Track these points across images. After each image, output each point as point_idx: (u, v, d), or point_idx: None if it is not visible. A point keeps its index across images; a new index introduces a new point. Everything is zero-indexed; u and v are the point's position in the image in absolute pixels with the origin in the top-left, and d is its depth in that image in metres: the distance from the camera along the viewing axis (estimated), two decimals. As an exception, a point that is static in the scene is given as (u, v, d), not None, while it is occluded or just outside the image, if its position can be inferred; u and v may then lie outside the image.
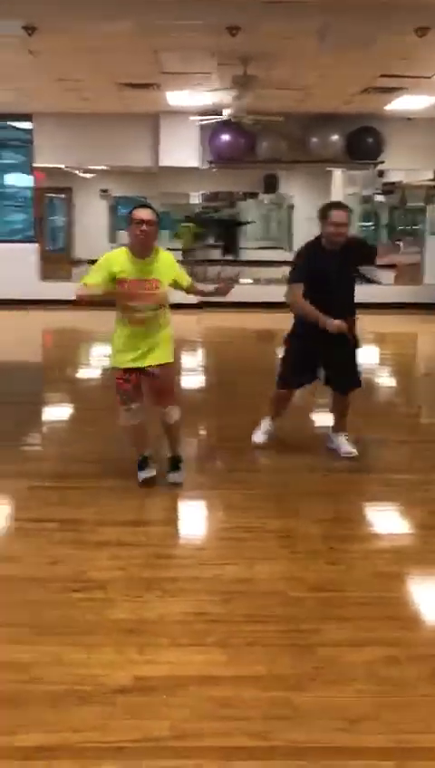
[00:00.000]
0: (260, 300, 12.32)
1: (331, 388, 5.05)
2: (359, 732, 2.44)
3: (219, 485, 4.55)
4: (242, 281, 16.16)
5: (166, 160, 11.60)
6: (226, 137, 11.01)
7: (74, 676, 2.67)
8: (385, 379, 8.41)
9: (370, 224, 20.57)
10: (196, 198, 21.92)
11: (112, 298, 4.25)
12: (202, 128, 11.04)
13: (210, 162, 11.53)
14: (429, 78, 8.47)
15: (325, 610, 3.17)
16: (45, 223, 20.72)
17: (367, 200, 19.37)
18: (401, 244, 4.87)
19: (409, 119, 11.17)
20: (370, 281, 11.64)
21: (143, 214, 4.21)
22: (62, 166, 14.59)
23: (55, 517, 4.04)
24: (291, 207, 20.76)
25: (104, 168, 15.65)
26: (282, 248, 20.44)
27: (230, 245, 19.77)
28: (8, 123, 13.69)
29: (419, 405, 7.33)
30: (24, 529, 3.96)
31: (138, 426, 4.45)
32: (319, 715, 2.52)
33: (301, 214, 19.85)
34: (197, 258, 13.96)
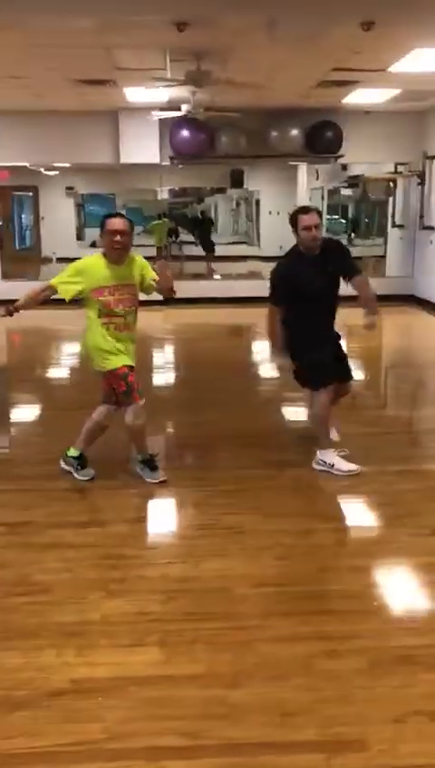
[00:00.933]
0: (229, 295, 12.38)
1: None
2: (293, 726, 2.45)
3: (177, 483, 4.54)
4: (215, 276, 16.29)
5: (126, 157, 11.53)
6: (185, 132, 10.95)
7: (10, 681, 2.66)
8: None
9: (337, 217, 20.70)
10: (163, 194, 21.94)
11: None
12: (162, 124, 10.99)
13: (171, 158, 11.47)
14: (383, 71, 8.49)
15: (269, 606, 3.19)
16: (9, 222, 20.60)
17: (333, 193, 19.49)
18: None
19: (367, 112, 11.20)
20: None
21: (117, 224, 4.30)
22: (26, 164, 14.48)
23: (2, 521, 4.01)
24: (257, 202, 20.83)
25: (68, 165, 15.56)
26: (246, 243, 20.53)
27: (205, 242, 19.83)
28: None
29: (381, 397, 7.37)
30: (-31, 534, 3.93)
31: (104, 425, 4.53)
32: (254, 712, 2.53)
33: (267, 208, 19.99)
34: (170, 254, 13.92)
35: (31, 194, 20.39)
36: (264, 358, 8.26)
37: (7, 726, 2.42)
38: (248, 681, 2.69)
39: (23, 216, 21.69)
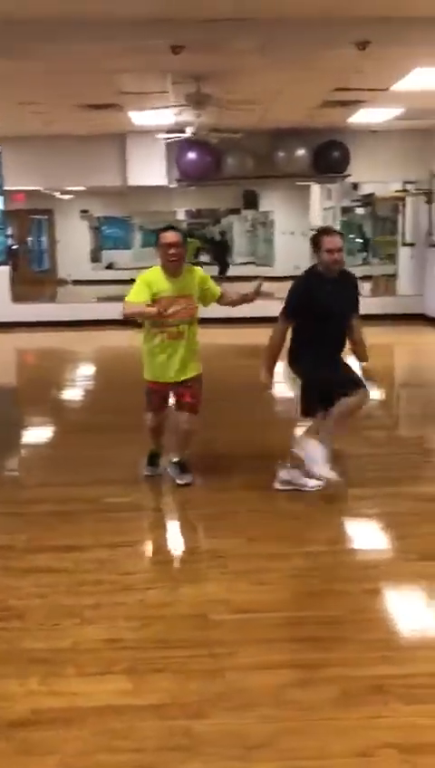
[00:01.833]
0: (248, 315, 12.26)
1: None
2: (253, 759, 2.38)
3: (159, 506, 4.49)
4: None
5: (134, 179, 11.63)
6: (192, 155, 11.03)
7: (-30, 711, 2.61)
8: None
9: (352, 236, 20.62)
10: (180, 215, 22.08)
11: (148, 319, 4.52)
12: (168, 146, 11.07)
13: (178, 180, 11.55)
14: (385, 90, 8.49)
15: (244, 633, 3.11)
16: (26, 245, 20.84)
17: (348, 212, 19.45)
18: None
19: (373, 131, 11.20)
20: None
21: (170, 237, 4.49)
22: (40, 188, 14.66)
23: (-16, 545, 3.99)
24: (272, 223, 20.87)
25: (82, 189, 15.73)
26: (268, 265, 20.49)
27: (221, 262, 19.90)
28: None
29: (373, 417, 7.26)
30: None
31: (158, 426, 4.84)
32: (216, 744, 2.45)
33: (281, 229, 20.03)
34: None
35: (46, 217, 20.66)
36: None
37: (-40, 758, 2.37)
38: (213, 711, 2.61)
39: (40, 239, 21.94)
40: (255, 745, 2.44)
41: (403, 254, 13.03)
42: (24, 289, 14.31)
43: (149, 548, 4.00)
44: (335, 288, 4.53)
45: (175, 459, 4.85)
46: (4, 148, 11.58)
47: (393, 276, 14.01)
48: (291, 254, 17.48)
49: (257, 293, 4.69)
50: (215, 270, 19.01)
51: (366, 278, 13.77)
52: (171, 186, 11.80)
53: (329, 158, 11.29)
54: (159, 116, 9.87)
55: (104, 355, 10.87)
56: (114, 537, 4.06)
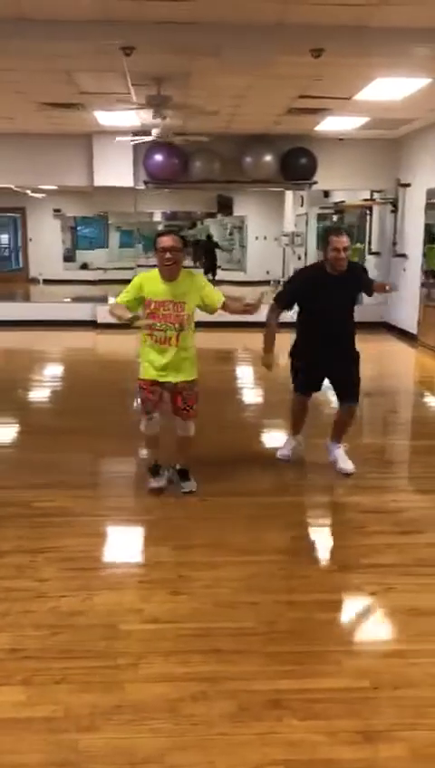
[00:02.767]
0: (221, 320, 12.21)
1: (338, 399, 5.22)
2: (136, 776, 2.33)
3: (90, 512, 4.43)
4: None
5: (100, 180, 11.54)
6: (158, 157, 10.98)
7: None
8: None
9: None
10: (157, 217, 21.97)
11: (134, 321, 4.38)
12: (136, 148, 11.01)
13: (145, 182, 11.48)
14: (348, 99, 8.50)
15: (150, 644, 3.06)
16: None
17: (324, 219, 19.46)
18: (388, 287, 5.25)
19: (340, 139, 11.22)
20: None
21: (166, 242, 4.37)
22: (11, 185, 14.50)
23: None
24: (246, 228, 20.84)
25: (54, 187, 15.57)
26: (241, 270, 20.46)
27: (211, 265, 19.80)
28: None
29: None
30: None
31: (153, 436, 4.71)
32: (102, 760, 2.41)
33: (254, 234, 19.99)
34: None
35: (18, 215, 20.49)
36: (248, 384, 8.17)
37: None
38: (105, 725, 2.57)
39: (10, 237, 21.74)
40: (141, 761, 2.40)
41: (369, 263, 13.04)
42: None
43: (68, 555, 3.92)
44: (336, 285, 4.75)
45: (178, 467, 4.83)
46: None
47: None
48: (263, 259, 17.48)
49: (260, 304, 4.59)
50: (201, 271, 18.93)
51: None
52: (138, 187, 11.72)
53: (296, 164, 11.28)
54: (126, 117, 9.82)
55: (71, 356, 10.75)
56: (36, 543, 4.00)
